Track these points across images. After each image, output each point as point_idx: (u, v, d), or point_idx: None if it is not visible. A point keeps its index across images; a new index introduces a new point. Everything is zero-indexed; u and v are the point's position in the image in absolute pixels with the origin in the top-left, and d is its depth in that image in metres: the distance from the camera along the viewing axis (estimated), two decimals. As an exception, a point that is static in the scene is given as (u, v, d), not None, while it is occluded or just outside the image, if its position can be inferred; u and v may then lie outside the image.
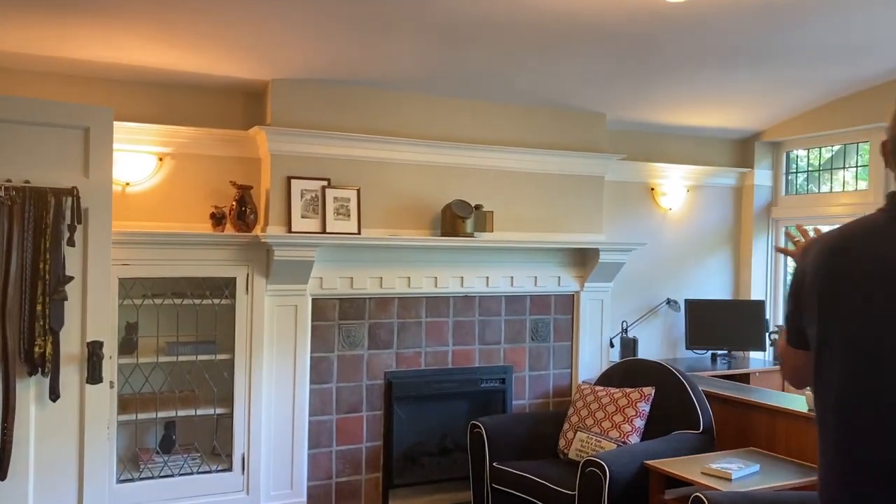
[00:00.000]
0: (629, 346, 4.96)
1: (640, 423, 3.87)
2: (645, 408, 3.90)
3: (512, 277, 4.62)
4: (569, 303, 4.84)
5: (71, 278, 3.17)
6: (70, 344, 3.19)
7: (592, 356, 4.88)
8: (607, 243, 4.68)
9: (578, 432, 3.94)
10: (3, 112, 3.09)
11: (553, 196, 4.71)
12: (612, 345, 4.99)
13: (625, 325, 5.15)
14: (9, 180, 3.07)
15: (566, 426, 4.07)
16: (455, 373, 4.50)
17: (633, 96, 4.56)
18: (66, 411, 3.21)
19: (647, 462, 3.43)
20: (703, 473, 3.27)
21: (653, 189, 5.42)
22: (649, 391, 3.94)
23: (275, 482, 4.04)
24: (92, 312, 3.25)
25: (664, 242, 5.46)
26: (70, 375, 3.21)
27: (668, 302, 5.42)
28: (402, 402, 4.37)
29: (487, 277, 4.55)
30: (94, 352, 3.24)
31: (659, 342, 5.46)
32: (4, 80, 3.72)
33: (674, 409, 3.93)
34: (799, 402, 3.85)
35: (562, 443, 4.03)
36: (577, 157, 4.72)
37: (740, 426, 3.99)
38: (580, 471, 3.45)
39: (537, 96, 4.48)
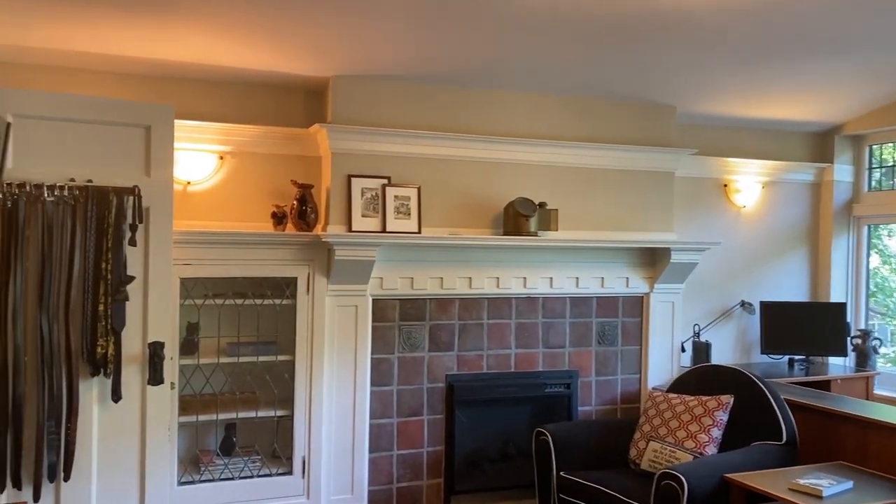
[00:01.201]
0: (702, 350, 4.72)
1: (717, 433, 3.65)
2: (723, 417, 3.67)
3: (577, 278, 4.44)
4: (637, 305, 4.63)
5: (132, 278, 3.15)
6: (131, 344, 3.17)
7: (662, 361, 4.66)
8: (679, 242, 4.46)
9: (651, 442, 3.74)
10: (65, 111, 3.08)
11: (621, 193, 4.51)
12: (683, 349, 4.75)
13: (697, 328, 4.91)
14: (72, 179, 3.06)
15: (637, 435, 3.87)
16: (518, 377, 4.35)
17: (704, 87, 4.33)
18: (128, 412, 3.19)
19: (728, 476, 3.22)
20: (790, 489, 3.04)
21: (725, 185, 5.16)
22: (727, 399, 3.71)
23: (335, 486, 3.96)
24: (153, 313, 3.22)
25: (738, 241, 5.19)
26: (131, 376, 3.18)
27: (743, 304, 5.15)
28: (464, 406, 4.24)
29: (551, 278, 4.38)
30: (155, 353, 3.21)
31: (732, 346, 5.19)
32: (65, 79, 3.73)
33: (754, 418, 3.69)
34: (893, 413, 3.57)
35: (633, 452, 3.83)
36: (646, 153, 4.52)
37: (825, 438, 3.73)
38: (655, 483, 3.26)
39: (603, 88, 4.29)
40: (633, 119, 4.54)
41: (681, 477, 3.15)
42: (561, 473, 3.77)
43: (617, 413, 4.59)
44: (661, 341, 4.65)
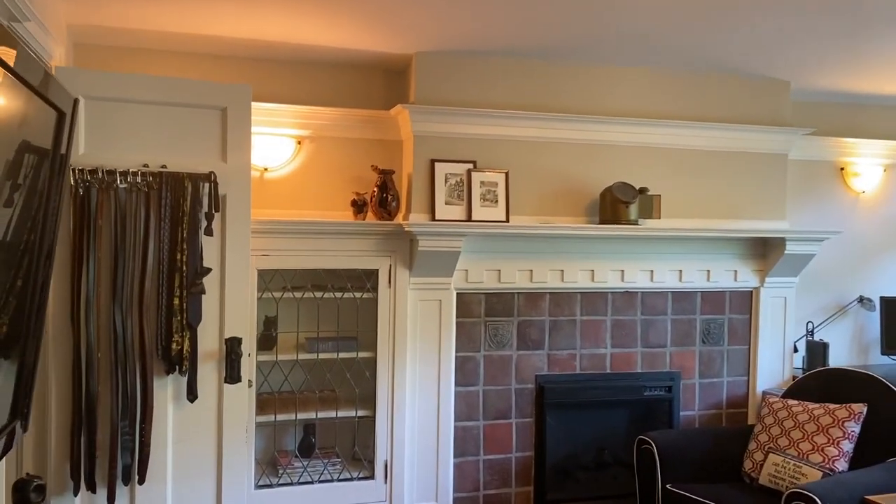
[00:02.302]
0: (818, 351, 4.26)
1: (848, 446, 3.23)
2: (854, 429, 3.25)
3: (681, 271, 4.05)
4: (746, 300, 4.21)
5: (209, 270, 2.96)
6: (208, 340, 2.99)
7: (773, 362, 4.23)
8: (796, 232, 4.02)
9: (771, 454, 3.34)
10: (137, 92, 2.90)
11: (729, 177, 4.09)
12: (795, 349, 4.31)
13: (810, 326, 4.45)
14: (145, 165, 2.89)
15: (753, 445, 3.47)
16: (614, 378, 4.00)
17: (821, 59, 3.86)
18: (204, 412, 3.02)
19: (870, 497, 2.80)
20: (950, 518, 2.61)
21: (843, 169, 4.66)
22: (860, 409, 3.28)
23: (419, 492, 3.71)
24: (230, 307, 3.03)
25: (855, 230, 4.69)
26: (208, 374, 3.01)
27: (861, 300, 4.65)
28: (555, 409, 3.92)
29: (652, 271, 4.00)
30: (232, 349, 3.02)
31: (848, 346, 4.70)
32: (136, 60, 3.57)
33: (891, 431, 3.25)
34: None
35: (748, 465, 3.44)
36: (757, 132, 4.08)
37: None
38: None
39: (710, 61, 3.87)
40: (742, 96, 4.11)
41: (815, 498, 2.76)
42: (667, 486, 3.41)
43: (722, 419, 4.18)
44: (772, 340, 4.22)
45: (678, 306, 4.10)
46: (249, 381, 3.33)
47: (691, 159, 4.03)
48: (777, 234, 3.99)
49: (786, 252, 4.02)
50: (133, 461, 2.88)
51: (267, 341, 3.53)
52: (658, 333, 4.07)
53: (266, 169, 3.67)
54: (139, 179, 2.84)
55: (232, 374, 3.01)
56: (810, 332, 4.42)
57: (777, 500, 2.93)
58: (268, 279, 3.49)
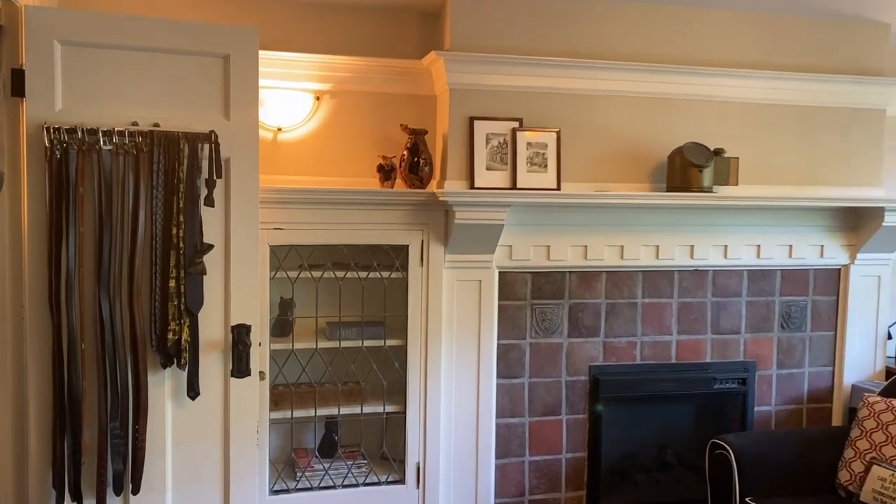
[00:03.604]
0: (917, 339, 3.70)
1: (971, 457, 2.69)
2: (980, 437, 2.70)
3: (758, 247, 3.51)
4: (833, 280, 3.65)
5: (210, 247, 2.54)
6: (211, 328, 2.59)
7: (863, 351, 3.68)
8: (897, 200, 3.44)
9: (875, 466, 2.81)
10: (124, 35, 2.45)
11: (815, 137, 3.51)
12: (890, 336, 3.74)
13: (907, 309, 3.87)
14: (134, 123, 2.45)
15: (850, 453, 2.95)
16: (680, 369, 3.49)
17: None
18: (208, 411, 2.63)
19: None
20: None
21: (946, 127, 4.02)
22: None
23: (455, 497, 3.28)
24: (237, 289, 2.62)
25: (959, 199, 4.06)
26: (211, 367, 2.61)
27: (963, 279, 4.04)
28: (611, 403, 3.44)
29: (726, 247, 3.47)
30: (239, 338, 2.62)
31: (947, 332, 4.11)
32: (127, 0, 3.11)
33: None
34: None
35: (844, 476, 2.92)
36: (850, 84, 3.48)
37: None
38: (902, 533, 2.36)
39: (795, 1, 3.28)
40: (832, 41, 3.50)
41: (945, 529, 2.24)
42: (746, 500, 2.91)
43: (802, 416, 3.66)
44: (863, 326, 3.67)
45: (755, 287, 3.56)
46: (262, 372, 2.93)
47: (772, 116, 3.46)
48: (875, 203, 3.41)
49: (884, 224, 3.45)
50: (126, 467, 2.51)
51: (282, 327, 3.11)
52: (731, 318, 3.54)
53: (279, 129, 3.20)
54: (127, 140, 2.42)
55: (240, 366, 2.62)
56: (906, 317, 3.85)
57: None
58: (281, 256, 3.04)
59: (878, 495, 2.75)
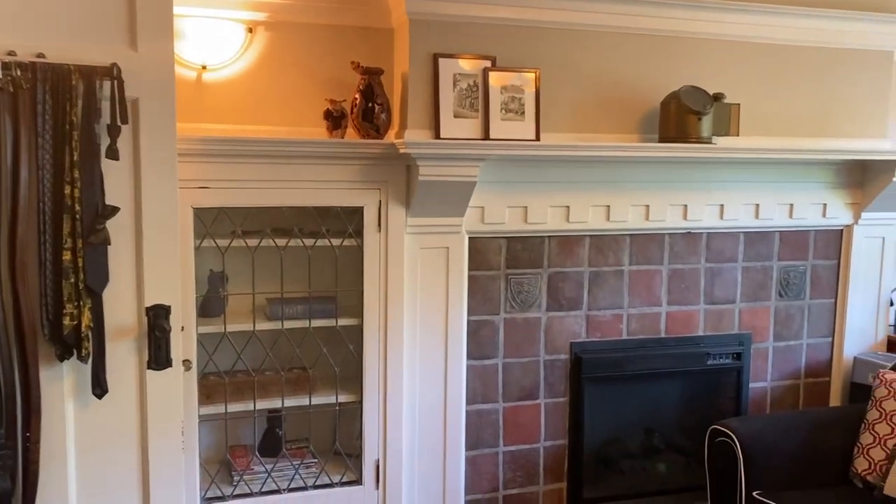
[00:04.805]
0: (921, 305, 3.40)
1: None
2: None
3: (757, 206, 3.14)
4: (835, 242, 3.32)
5: (116, 209, 2.06)
6: (120, 311, 2.12)
7: (865, 320, 3.38)
8: (911, 154, 3.09)
9: (900, 454, 2.49)
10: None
11: (817, 81, 3.13)
12: (892, 303, 3.44)
13: (910, 273, 3.57)
14: (11, 53, 1.92)
15: (867, 438, 2.63)
16: (670, 344, 3.13)
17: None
18: (120, 410, 2.17)
19: None
20: None
21: (951, 74, 3.69)
22: None
23: (420, 495, 2.87)
24: (151, 262, 2.14)
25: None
26: (122, 358, 2.15)
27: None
28: (595, 384, 3.06)
29: (722, 206, 3.09)
30: (156, 322, 2.15)
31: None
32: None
33: None
34: None
35: (861, 465, 2.60)
36: (854, 21, 3.09)
37: None
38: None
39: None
40: (840, -29, 3.11)
41: None
42: (753, 494, 2.56)
43: (799, 391, 3.35)
44: (865, 292, 3.36)
45: (751, 251, 3.20)
46: (187, 361, 2.45)
47: (774, 57, 3.06)
48: (888, 155, 3.06)
49: (894, 179, 3.11)
50: (15, 484, 2.02)
51: (211, 306, 2.62)
52: (726, 286, 3.18)
53: (204, 67, 2.66)
54: (1, 74, 1.87)
55: (158, 356, 2.15)
56: (910, 281, 3.55)
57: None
58: (209, 221, 2.54)
59: (905, 488, 2.43)
